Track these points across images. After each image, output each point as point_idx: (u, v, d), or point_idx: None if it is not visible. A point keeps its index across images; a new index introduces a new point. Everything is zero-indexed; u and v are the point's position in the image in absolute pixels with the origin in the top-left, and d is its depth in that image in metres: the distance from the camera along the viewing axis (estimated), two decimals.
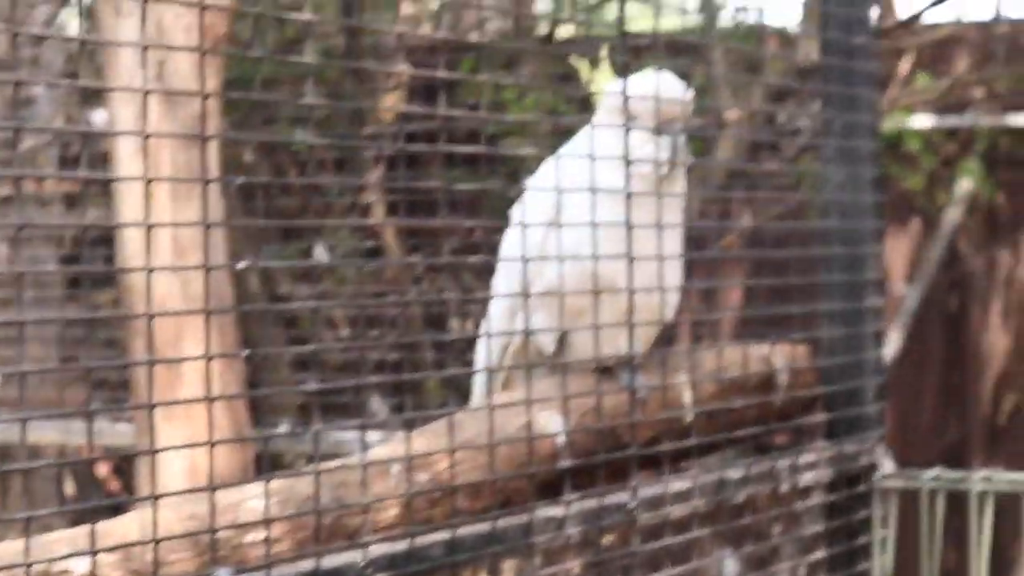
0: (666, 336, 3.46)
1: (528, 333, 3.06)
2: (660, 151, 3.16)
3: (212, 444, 2.18)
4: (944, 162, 9.00)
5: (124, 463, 5.87)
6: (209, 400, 2.16)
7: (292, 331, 6.07)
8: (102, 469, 6.28)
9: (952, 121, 9.00)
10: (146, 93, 1.66)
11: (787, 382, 3.71)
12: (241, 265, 2.92)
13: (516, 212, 3.20)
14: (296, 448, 4.85)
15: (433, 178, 2.72)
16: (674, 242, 3.25)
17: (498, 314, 3.34)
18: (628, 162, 3.01)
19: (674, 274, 3.26)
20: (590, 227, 2.95)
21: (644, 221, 3.08)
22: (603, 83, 3.31)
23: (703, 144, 3.44)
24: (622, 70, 3.04)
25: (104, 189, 6.19)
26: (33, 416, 1.88)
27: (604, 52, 3.28)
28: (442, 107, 2.64)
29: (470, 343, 5.40)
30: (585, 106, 3.26)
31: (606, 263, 3.03)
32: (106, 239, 5.60)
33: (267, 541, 2.46)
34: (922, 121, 8.83)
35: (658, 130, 3.15)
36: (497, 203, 6.46)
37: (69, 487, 6.47)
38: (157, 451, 2.80)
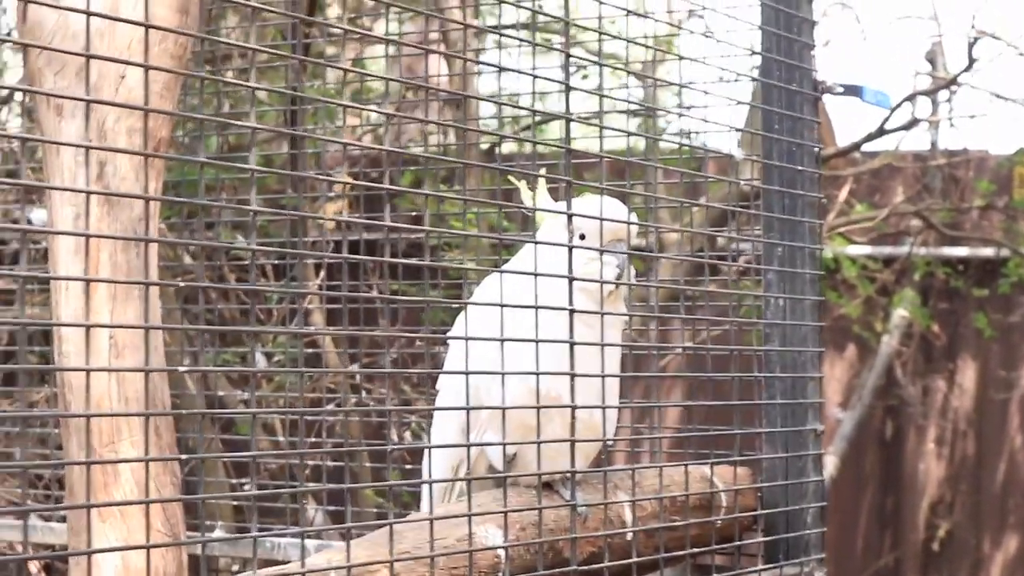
0: (605, 454, 3.47)
1: (469, 447, 3.04)
2: (606, 271, 3.18)
3: (148, 548, 2.16)
4: (881, 290, 9.11)
5: (56, 562, 5.80)
6: (147, 503, 2.14)
7: (229, 435, 6.02)
8: (32, 567, 6.19)
9: (889, 250, 9.12)
10: (88, 194, 1.66)
11: (728, 503, 3.72)
12: (182, 369, 2.91)
13: (458, 328, 3.18)
14: (230, 553, 4.79)
15: (374, 288, 2.72)
16: (615, 361, 3.27)
17: (449, 430, 3.34)
18: (572, 280, 3.02)
19: (614, 392, 3.28)
20: (535, 344, 2.95)
21: (588, 339, 3.09)
22: (543, 201, 3.33)
23: (644, 265, 3.47)
24: (565, 188, 3.06)
25: (42, 287, 6.19)
26: None
27: (544, 170, 3.30)
28: (385, 217, 2.65)
29: (409, 452, 5.40)
30: (526, 223, 3.28)
31: (553, 380, 3.03)
32: (42, 336, 5.58)
33: None
34: (859, 249, 8.95)
35: (604, 250, 3.18)
36: (438, 314, 6.49)
37: None
38: (92, 552, 2.76)
